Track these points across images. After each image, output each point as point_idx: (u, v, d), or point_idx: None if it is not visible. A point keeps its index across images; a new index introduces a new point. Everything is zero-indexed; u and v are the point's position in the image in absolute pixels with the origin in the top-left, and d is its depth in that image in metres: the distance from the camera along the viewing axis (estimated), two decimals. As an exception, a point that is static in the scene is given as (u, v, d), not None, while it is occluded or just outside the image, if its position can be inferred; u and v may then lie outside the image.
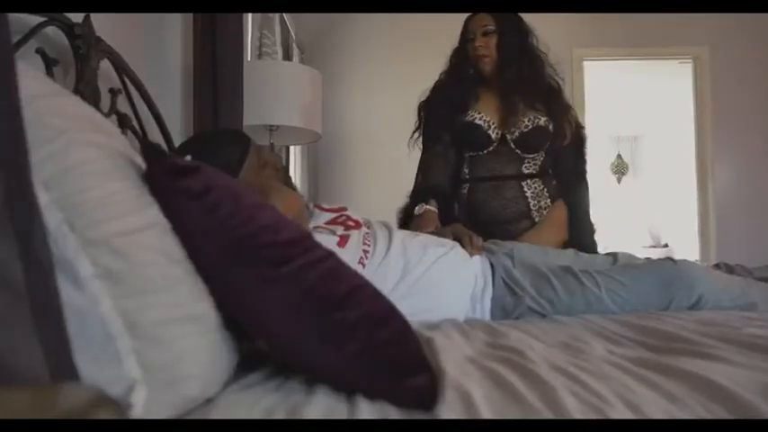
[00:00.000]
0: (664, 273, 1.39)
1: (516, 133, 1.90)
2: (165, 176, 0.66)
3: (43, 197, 0.53)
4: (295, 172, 3.62)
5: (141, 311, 0.56)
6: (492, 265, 1.41)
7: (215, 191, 0.67)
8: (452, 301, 1.34)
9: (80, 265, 0.53)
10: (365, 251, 1.31)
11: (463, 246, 1.47)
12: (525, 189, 1.92)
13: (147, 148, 0.68)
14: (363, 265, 1.28)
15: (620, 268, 1.43)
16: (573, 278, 1.35)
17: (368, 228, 1.40)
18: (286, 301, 0.66)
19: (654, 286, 1.34)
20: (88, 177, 0.58)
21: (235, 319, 0.71)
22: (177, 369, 0.58)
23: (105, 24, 1.32)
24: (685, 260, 1.50)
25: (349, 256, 1.25)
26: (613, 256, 1.57)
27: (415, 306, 1.22)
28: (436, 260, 1.36)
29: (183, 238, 0.66)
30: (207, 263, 0.67)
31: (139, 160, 0.71)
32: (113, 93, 1.37)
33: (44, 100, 0.60)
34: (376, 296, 0.70)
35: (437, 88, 2.05)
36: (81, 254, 0.54)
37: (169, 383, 0.57)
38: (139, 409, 0.52)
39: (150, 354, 0.55)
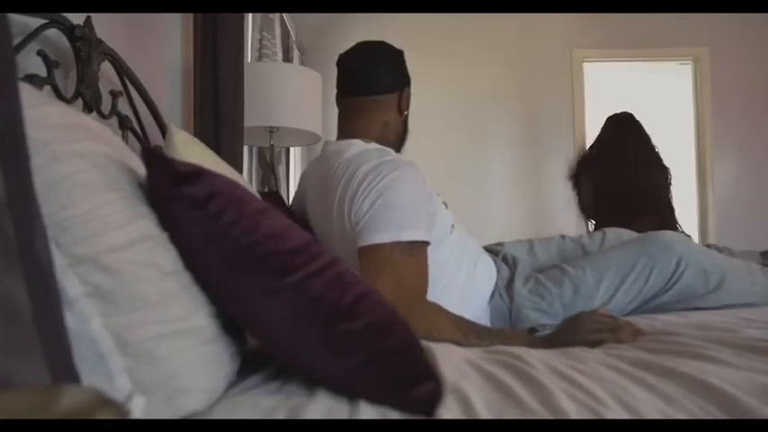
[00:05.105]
0: (641, 241, 1.46)
1: None
2: (166, 183, 0.63)
3: None
4: (295, 173, 3.62)
5: (133, 329, 0.55)
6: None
7: (219, 197, 0.64)
8: (470, 308, 1.34)
9: (68, 284, 0.52)
10: (453, 225, 1.36)
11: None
12: None
13: (148, 154, 0.65)
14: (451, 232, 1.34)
15: (603, 250, 1.51)
16: (557, 270, 1.42)
17: None
18: (290, 311, 0.64)
19: (634, 255, 1.39)
20: (74, 191, 0.56)
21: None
22: (173, 385, 0.57)
23: (106, 26, 1.32)
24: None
25: (449, 219, 1.34)
26: (602, 232, 1.63)
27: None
28: (475, 266, 1.39)
29: (185, 247, 0.64)
30: (209, 272, 0.65)
31: (135, 166, 0.69)
32: (114, 95, 1.37)
33: (27, 112, 0.58)
34: (380, 303, 0.68)
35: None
36: (68, 272, 0.52)
37: (166, 400, 0.56)
38: (138, 415, 0.52)
39: (143, 371, 0.54)
